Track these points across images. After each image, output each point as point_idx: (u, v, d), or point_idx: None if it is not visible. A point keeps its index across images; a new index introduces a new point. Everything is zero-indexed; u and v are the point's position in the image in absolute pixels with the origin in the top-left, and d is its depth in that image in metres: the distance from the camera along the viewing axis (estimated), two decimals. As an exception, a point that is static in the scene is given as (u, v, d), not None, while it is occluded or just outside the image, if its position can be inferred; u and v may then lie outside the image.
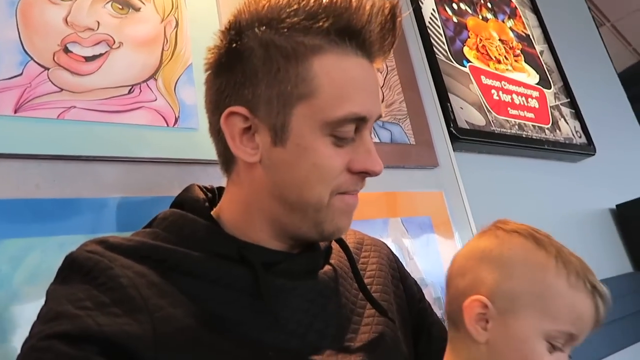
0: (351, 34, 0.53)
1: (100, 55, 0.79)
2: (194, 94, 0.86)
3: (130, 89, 0.80)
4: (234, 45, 0.55)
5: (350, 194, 0.57)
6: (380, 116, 0.58)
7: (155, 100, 0.81)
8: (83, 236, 0.68)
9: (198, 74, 0.88)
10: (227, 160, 0.60)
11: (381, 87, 1.18)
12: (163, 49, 0.86)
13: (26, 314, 0.61)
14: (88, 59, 0.77)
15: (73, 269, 0.49)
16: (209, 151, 0.82)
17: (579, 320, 0.55)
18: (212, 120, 0.60)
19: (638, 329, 1.65)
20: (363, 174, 0.56)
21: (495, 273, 0.57)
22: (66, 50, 0.76)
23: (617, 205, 1.87)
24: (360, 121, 0.54)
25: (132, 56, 0.82)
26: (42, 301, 0.61)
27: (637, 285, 1.72)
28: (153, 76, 0.83)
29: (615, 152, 2.02)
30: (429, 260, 1.04)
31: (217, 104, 0.57)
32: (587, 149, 1.82)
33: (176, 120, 0.82)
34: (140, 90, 0.81)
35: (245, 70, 0.54)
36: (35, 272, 0.64)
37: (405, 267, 0.99)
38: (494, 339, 0.57)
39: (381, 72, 1.19)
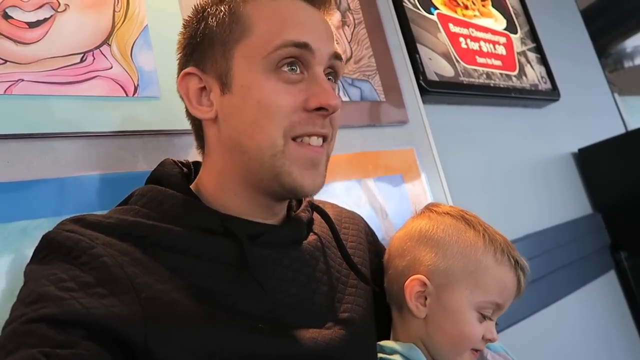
0: None
1: (45, 20, 0.72)
2: (153, 59, 0.80)
3: (83, 57, 0.74)
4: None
5: (310, 145, 0.54)
6: (336, 54, 0.57)
7: (111, 68, 0.76)
8: (46, 220, 0.65)
9: (156, 36, 0.82)
10: (198, 134, 0.61)
11: (349, 42, 1.14)
12: (114, 10, 0.79)
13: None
14: (31, 25, 0.71)
15: (52, 249, 0.48)
16: (174, 120, 0.79)
17: (504, 291, 0.63)
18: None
19: (597, 267, 1.76)
20: (321, 111, 0.54)
21: (431, 253, 0.63)
22: (6, 16, 0.69)
23: (579, 149, 1.92)
24: (303, 49, 0.53)
25: (81, 20, 0.75)
26: (6, 287, 0.60)
27: (596, 226, 1.81)
28: (106, 41, 0.77)
29: (578, 96, 2.06)
30: (403, 218, 1.05)
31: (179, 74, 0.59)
32: (552, 94, 1.84)
33: (136, 89, 0.77)
34: (94, 58, 0.75)
35: (201, 34, 0.56)
36: (-3, 260, 0.61)
37: (380, 226, 1.01)
38: (432, 313, 0.63)
39: (348, 26, 1.14)
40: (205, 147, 0.61)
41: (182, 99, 0.60)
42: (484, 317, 0.62)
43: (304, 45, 0.53)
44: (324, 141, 0.56)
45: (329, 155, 0.59)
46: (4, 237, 0.61)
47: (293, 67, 0.54)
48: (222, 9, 0.55)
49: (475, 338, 0.61)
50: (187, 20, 0.59)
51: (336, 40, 0.59)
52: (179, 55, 0.61)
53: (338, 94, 0.61)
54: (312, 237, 0.62)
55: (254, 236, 0.55)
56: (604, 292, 1.75)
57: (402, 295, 0.63)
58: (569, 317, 1.55)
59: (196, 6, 0.59)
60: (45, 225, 0.64)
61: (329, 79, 0.57)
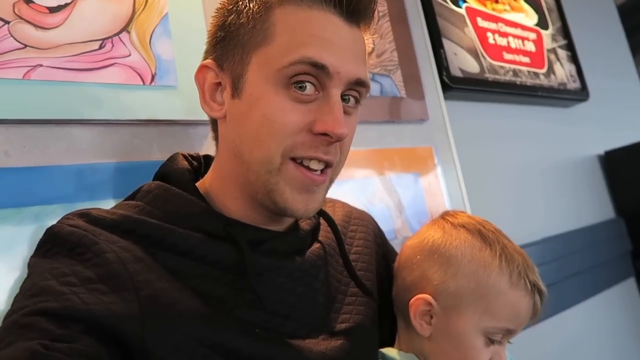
0: None
1: (66, 5, 0.72)
2: (171, 47, 0.80)
3: (101, 44, 0.74)
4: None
5: (309, 169, 0.52)
6: (359, 80, 0.53)
7: (129, 55, 0.76)
8: (59, 206, 0.65)
9: (175, 25, 0.81)
10: (214, 127, 0.60)
11: (372, 35, 1.11)
12: (135, -4, 0.78)
13: (4, 285, 0.59)
14: (52, 9, 0.71)
15: (56, 243, 0.48)
16: (189, 110, 0.79)
17: (517, 317, 0.59)
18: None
19: (619, 272, 1.72)
20: (325, 137, 0.51)
21: (441, 271, 0.59)
22: (27, 0, 0.69)
23: (605, 152, 1.87)
24: (319, 70, 0.50)
25: (101, 6, 0.75)
26: (18, 272, 0.61)
27: (618, 231, 1.76)
28: (125, 28, 0.76)
29: (608, 97, 1.99)
30: (417, 217, 1.03)
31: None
32: (581, 94, 1.78)
33: (153, 78, 0.77)
34: (113, 45, 0.75)
35: (228, 27, 0.54)
36: (10, 244, 0.62)
37: (394, 225, 1.00)
38: (436, 333, 0.60)
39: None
40: (217, 143, 0.60)
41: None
42: (492, 342, 0.59)
43: (321, 67, 0.49)
44: (327, 166, 0.53)
45: (332, 181, 0.57)
46: (17, 222, 0.62)
47: (304, 85, 0.50)
48: (252, 7, 0.52)
49: None
50: (219, 7, 0.57)
51: (368, 63, 0.56)
52: (207, 42, 0.59)
53: (356, 113, 0.57)
54: (315, 246, 0.61)
55: (257, 242, 0.54)
56: (622, 299, 1.71)
57: (407, 310, 0.61)
58: (584, 324, 1.52)
59: None
60: (58, 211, 0.65)
61: (345, 99, 0.54)
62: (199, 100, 0.58)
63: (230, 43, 0.54)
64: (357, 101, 0.56)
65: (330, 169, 0.54)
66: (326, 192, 0.57)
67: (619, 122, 2.01)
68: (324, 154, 0.52)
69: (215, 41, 0.56)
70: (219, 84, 0.55)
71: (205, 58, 0.58)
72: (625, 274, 1.75)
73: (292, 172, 0.51)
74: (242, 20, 0.53)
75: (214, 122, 0.60)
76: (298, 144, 0.51)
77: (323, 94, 0.51)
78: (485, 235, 0.61)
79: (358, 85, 0.54)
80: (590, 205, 1.74)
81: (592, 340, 1.54)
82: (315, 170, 0.52)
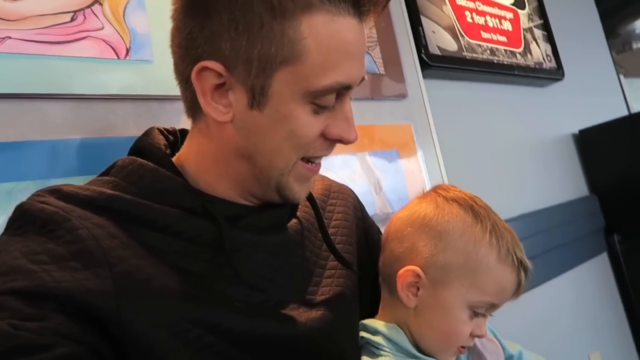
0: None
1: (34, -25, 0.69)
2: (146, 21, 0.78)
3: (73, 16, 0.71)
4: None
5: (314, 164, 0.56)
6: (363, 79, 0.55)
7: (102, 28, 0.74)
8: (32, 182, 0.64)
9: (149, -3, 0.79)
10: (194, 107, 0.55)
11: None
12: (107, -33, 0.76)
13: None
14: (20, -20, 0.68)
15: (26, 221, 0.47)
16: (166, 86, 0.77)
17: (502, 292, 0.60)
18: (180, 65, 0.54)
19: (593, 247, 1.78)
20: (336, 141, 0.55)
21: (431, 244, 0.59)
22: (-8, -30, 0.66)
23: (580, 131, 1.90)
24: (344, 89, 0.52)
25: (72, -24, 0.72)
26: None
27: (591, 208, 1.81)
28: (98, 0, 0.74)
29: (583, 76, 2.02)
30: (397, 193, 1.04)
31: (187, 50, 0.52)
32: (556, 73, 1.81)
33: (127, 52, 0.75)
34: (85, 17, 0.72)
35: (224, 19, 0.48)
36: (-17, 221, 0.60)
37: (374, 202, 1.00)
38: (422, 305, 0.60)
39: None
40: (202, 125, 0.56)
41: (189, 83, 0.52)
42: (475, 315, 0.59)
43: (347, 87, 0.52)
44: None
45: None
46: (-11, 198, 0.61)
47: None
48: (271, 10, 0.47)
49: (463, 336, 0.59)
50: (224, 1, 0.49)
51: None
52: (182, 16, 0.52)
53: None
54: (294, 221, 0.61)
55: (235, 218, 0.54)
56: (595, 274, 1.76)
57: (394, 281, 0.61)
58: (558, 297, 1.57)
59: None
60: (31, 188, 0.63)
61: None
62: (200, 102, 0.52)
63: (244, 48, 0.48)
64: None
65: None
66: None
67: (592, 102, 2.06)
68: (330, 152, 0.56)
69: (218, 40, 0.49)
70: (222, 84, 0.51)
71: (199, 53, 0.50)
72: (598, 249, 1.80)
73: (300, 169, 0.54)
74: (264, 27, 0.48)
75: (193, 100, 0.54)
76: (312, 148, 0.53)
77: (336, 102, 0.53)
78: (477, 210, 0.61)
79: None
80: (564, 183, 1.78)
81: (566, 312, 1.59)
82: (316, 163, 0.56)
